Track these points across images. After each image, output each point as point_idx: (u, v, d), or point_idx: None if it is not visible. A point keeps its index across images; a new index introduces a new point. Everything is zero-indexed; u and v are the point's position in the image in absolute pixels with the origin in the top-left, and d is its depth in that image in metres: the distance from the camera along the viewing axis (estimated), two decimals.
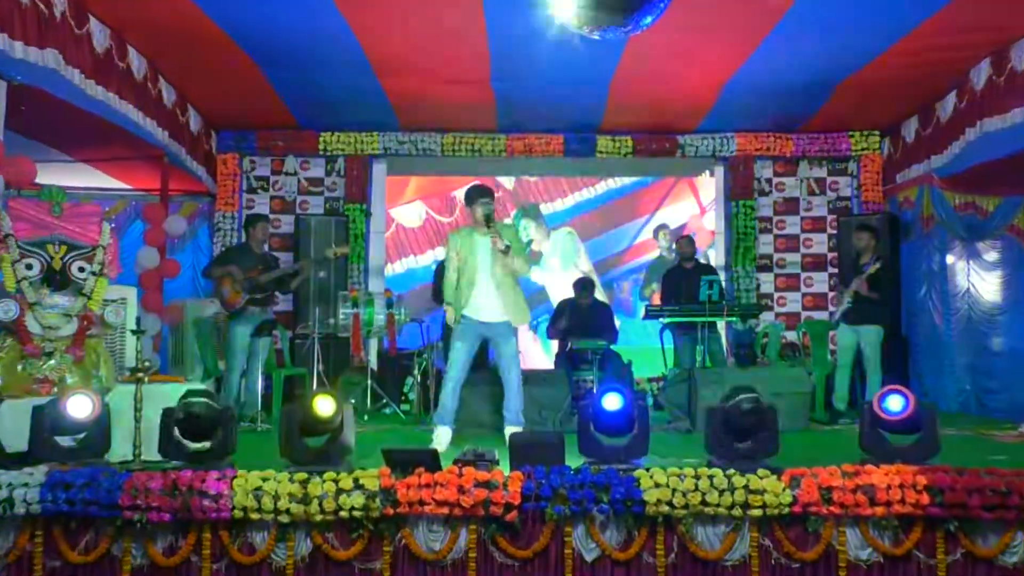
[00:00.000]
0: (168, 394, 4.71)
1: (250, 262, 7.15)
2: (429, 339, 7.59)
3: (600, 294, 9.28)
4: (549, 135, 9.55)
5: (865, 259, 7.31)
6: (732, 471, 3.96)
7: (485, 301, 5.68)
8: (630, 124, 9.34)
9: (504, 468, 4.13)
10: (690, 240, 8.17)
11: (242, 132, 9.53)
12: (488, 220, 5.60)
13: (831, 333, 7.70)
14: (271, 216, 9.57)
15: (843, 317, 7.27)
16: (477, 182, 6.01)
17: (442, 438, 5.62)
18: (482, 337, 5.79)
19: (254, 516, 3.90)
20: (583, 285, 8.18)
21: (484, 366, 7.13)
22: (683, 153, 9.62)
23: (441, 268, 7.67)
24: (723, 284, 8.05)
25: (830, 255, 9.64)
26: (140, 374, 4.60)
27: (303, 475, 3.98)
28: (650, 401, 7.94)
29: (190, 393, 4.41)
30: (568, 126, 9.43)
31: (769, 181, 9.84)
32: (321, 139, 9.57)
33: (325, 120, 9.33)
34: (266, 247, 7.66)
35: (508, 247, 5.56)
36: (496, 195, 6.02)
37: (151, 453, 4.56)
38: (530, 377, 6.74)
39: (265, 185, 9.77)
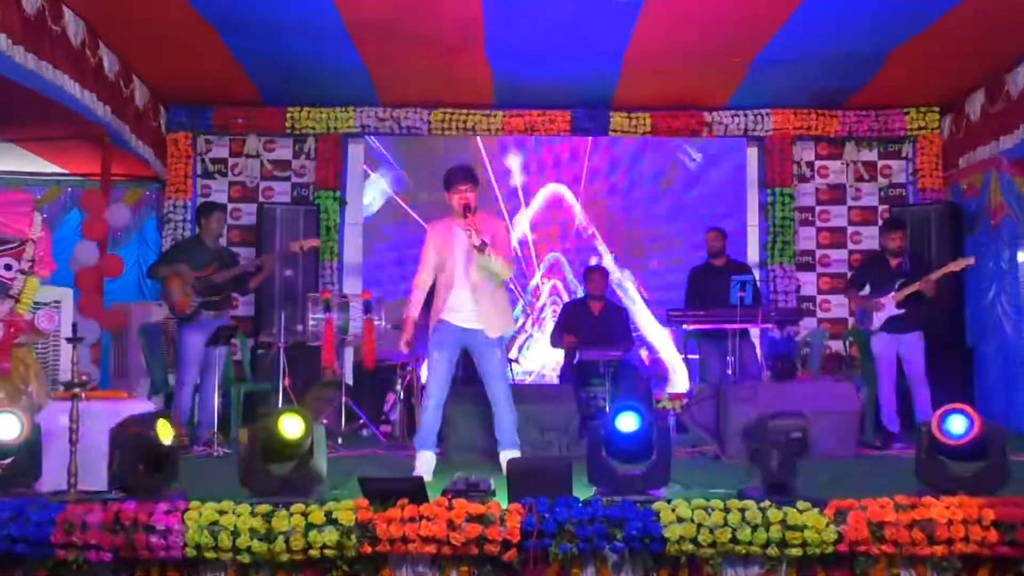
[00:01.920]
0: (108, 413, 4.70)
1: (204, 259, 7.15)
2: (415, 350, 7.59)
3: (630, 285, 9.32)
4: (554, 111, 9.56)
5: (896, 262, 7.31)
6: (767, 503, 3.95)
7: (461, 305, 5.70)
8: (648, 98, 9.35)
9: (501, 499, 4.12)
10: (720, 233, 8.14)
11: (196, 107, 9.53)
12: (465, 210, 5.59)
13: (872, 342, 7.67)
14: (229, 205, 9.57)
15: (885, 325, 7.24)
16: (459, 164, 5.95)
17: (426, 465, 5.62)
18: (462, 346, 5.80)
19: (209, 555, 3.89)
20: (598, 275, 8.18)
21: (475, 380, 7.14)
22: (710, 132, 9.63)
23: None
24: (757, 285, 8.04)
25: (877, 252, 9.62)
26: (77, 389, 4.59)
27: (267, 507, 3.97)
28: (672, 421, 7.93)
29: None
30: (576, 101, 9.43)
31: (811, 165, 9.84)
32: (288, 116, 9.58)
33: (293, 94, 9.33)
34: (222, 241, 7.66)
35: (484, 244, 5.53)
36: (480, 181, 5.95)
37: (89, 482, 4.55)
38: (531, 393, 6.75)
39: (223, 169, 9.78)
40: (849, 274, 9.56)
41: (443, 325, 5.72)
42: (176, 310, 7.06)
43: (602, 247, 9.79)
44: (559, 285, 9.78)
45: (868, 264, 7.87)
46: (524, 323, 9.67)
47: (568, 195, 9.85)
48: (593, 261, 9.48)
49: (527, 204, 9.84)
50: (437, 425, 5.74)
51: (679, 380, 9.38)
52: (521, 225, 9.81)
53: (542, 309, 9.74)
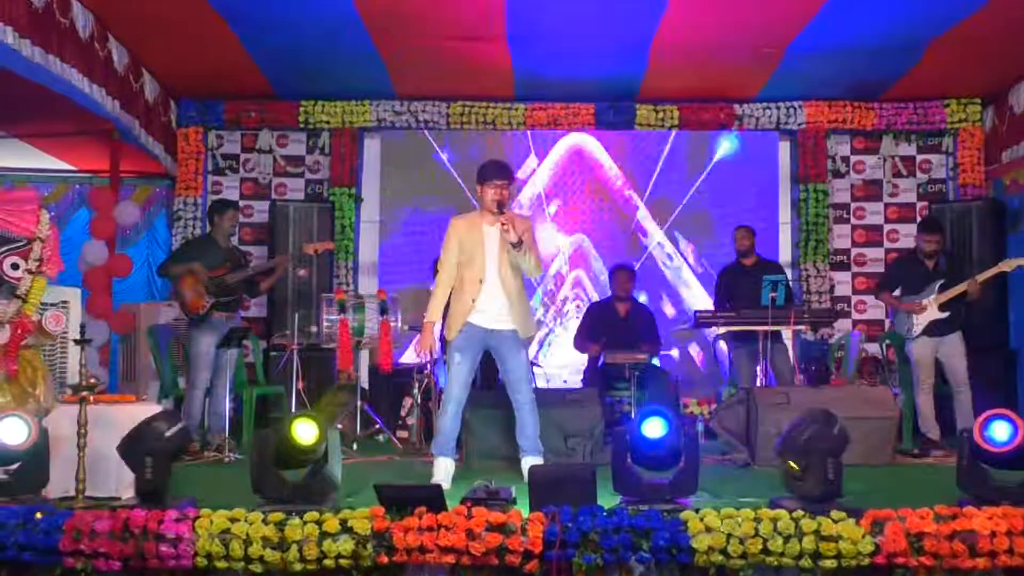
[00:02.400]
0: (118, 417, 4.74)
1: (216, 258, 7.19)
2: (432, 352, 7.60)
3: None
4: (577, 104, 9.55)
5: (931, 262, 7.25)
6: (800, 513, 3.93)
7: (491, 305, 5.69)
8: (676, 90, 9.33)
9: (523, 508, 4.12)
10: (748, 231, 8.11)
11: (207, 102, 9.59)
12: (500, 206, 5.60)
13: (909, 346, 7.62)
14: (241, 202, 9.61)
15: (927, 329, 7.17)
16: (494, 159, 5.98)
17: (444, 472, 5.62)
18: (486, 348, 5.80)
19: (220, 564, 3.91)
20: (625, 274, 8.17)
21: (495, 385, 7.12)
22: (741, 125, 9.60)
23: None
24: (789, 285, 8.00)
25: (910, 252, 9.55)
26: (85, 393, 4.62)
27: (279, 515, 3.99)
28: (701, 427, 7.91)
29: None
30: (600, 93, 9.42)
31: (846, 160, 9.79)
32: (302, 109, 9.61)
33: (306, 87, 9.37)
34: (234, 240, 7.69)
35: (520, 242, 5.55)
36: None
37: (97, 488, 4.59)
38: (554, 398, 6.74)
39: (234, 165, 9.83)
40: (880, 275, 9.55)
41: (469, 327, 5.70)
42: (188, 310, 7.10)
43: (643, 212, 9.74)
44: (583, 276, 9.75)
45: (900, 264, 7.81)
46: (544, 315, 9.65)
47: (593, 144, 9.78)
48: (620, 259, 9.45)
49: (540, 157, 9.75)
50: (456, 430, 5.74)
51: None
52: (534, 186, 9.73)
53: (564, 303, 9.72)
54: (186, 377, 7.36)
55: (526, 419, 5.73)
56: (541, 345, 9.57)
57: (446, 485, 5.36)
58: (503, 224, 5.54)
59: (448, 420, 5.69)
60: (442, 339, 6.46)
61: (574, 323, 8.95)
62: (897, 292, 7.42)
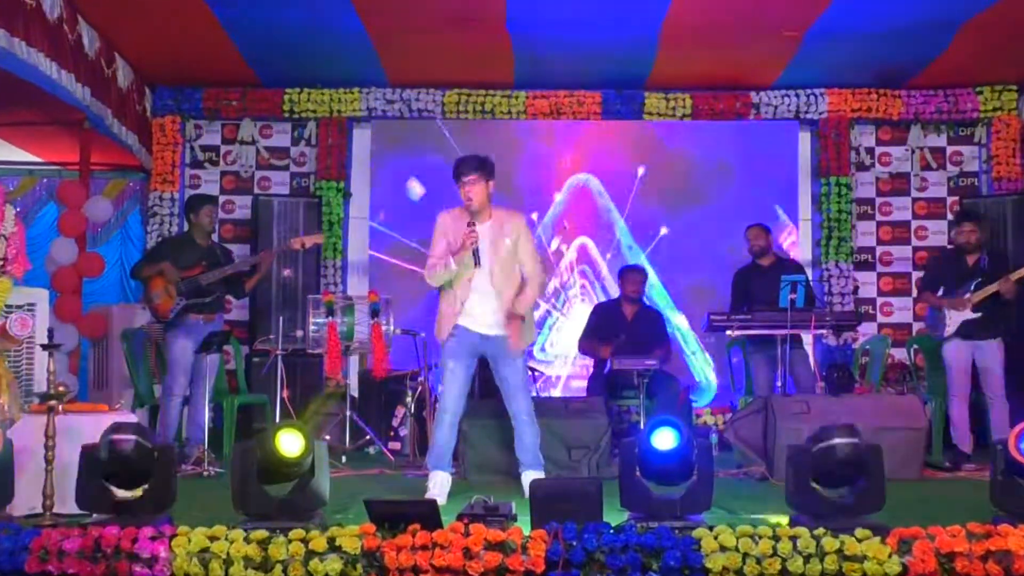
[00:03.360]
0: (88, 427, 4.73)
1: (191, 257, 7.17)
2: (427, 358, 7.60)
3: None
4: (582, 92, 9.55)
5: (973, 258, 7.25)
6: (822, 531, 3.93)
7: (481, 308, 5.71)
8: (688, 77, 9.34)
9: (523, 525, 4.12)
10: (762, 229, 8.11)
11: (184, 89, 9.58)
12: (472, 214, 5.66)
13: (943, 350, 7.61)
14: (221, 197, 9.62)
15: (959, 330, 7.18)
16: (463, 156, 5.96)
17: (440, 486, 5.63)
18: (480, 354, 5.81)
19: None
20: (635, 276, 8.18)
21: (496, 393, 7.14)
22: (758, 114, 9.60)
23: None
24: (810, 285, 8.00)
25: (950, 248, 9.57)
26: (53, 402, 4.62)
27: (262, 533, 3.99)
28: (714, 439, 7.91)
29: (117, 427, 4.43)
30: (607, 80, 9.43)
31: (871, 152, 9.79)
32: (286, 98, 9.61)
33: (292, 73, 9.37)
34: (214, 237, 7.69)
35: (520, 317, 5.68)
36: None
37: (67, 504, 4.58)
38: (556, 407, 6.75)
39: (214, 157, 9.82)
40: (913, 275, 9.54)
41: (460, 331, 5.72)
42: (157, 314, 7.11)
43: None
44: (588, 271, 9.77)
45: (939, 262, 7.81)
46: (547, 308, 9.68)
47: (596, 184, 9.87)
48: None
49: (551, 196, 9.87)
50: (452, 442, 5.76)
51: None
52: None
53: (569, 287, 9.74)
54: (162, 384, 7.35)
55: (524, 430, 5.75)
56: (540, 325, 9.48)
57: (441, 500, 5.37)
58: (469, 241, 5.56)
59: (443, 431, 5.70)
60: (435, 341, 6.49)
61: (579, 308, 8.98)
62: (940, 293, 7.38)
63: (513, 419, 5.77)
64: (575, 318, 9.41)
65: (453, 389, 5.72)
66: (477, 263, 5.59)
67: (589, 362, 8.50)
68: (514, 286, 5.75)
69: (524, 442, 5.74)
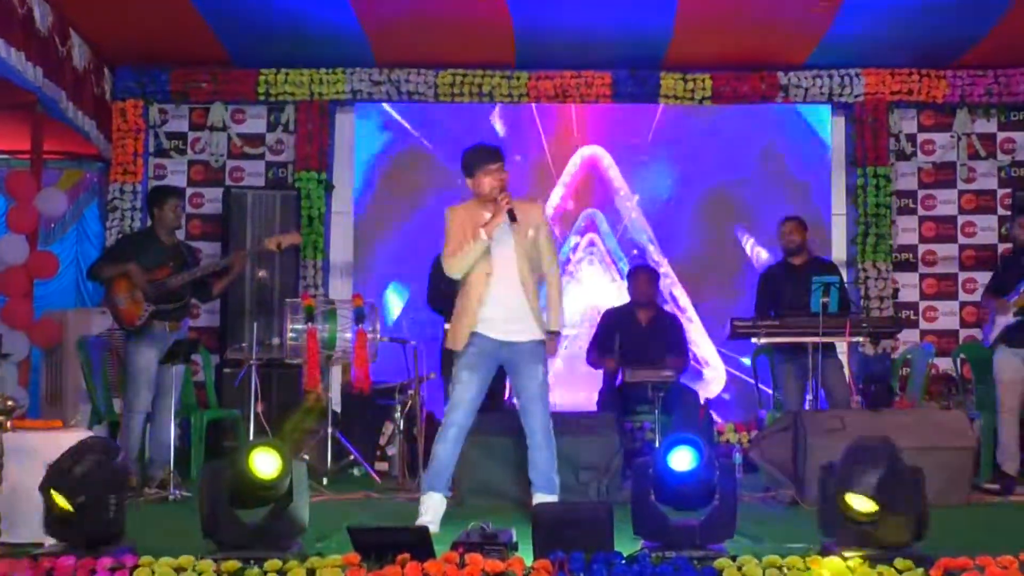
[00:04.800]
0: (41, 446, 4.73)
1: (157, 257, 7.15)
2: (418, 368, 7.60)
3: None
4: (591, 73, 9.57)
5: None
6: (858, 561, 3.93)
7: (502, 306, 5.70)
8: (708, 56, 9.34)
9: (525, 555, 4.12)
10: (799, 223, 8.07)
11: (149, 69, 9.59)
12: (512, 214, 5.63)
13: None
14: (189, 189, 9.62)
15: (1004, 337, 7.18)
16: (481, 143, 5.99)
17: (433, 510, 5.62)
18: (499, 364, 5.82)
19: None
20: (646, 276, 8.18)
21: (496, 407, 7.13)
22: (786, 97, 9.61)
23: (438, 260, 7.68)
24: (845, 288, 8.00)
25: (1002, 246, 9.61)
26: (1, 418, 4.62)
27: (234, 564, 3.99)
28: (738, 459, 7.91)
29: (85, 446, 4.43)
30: (618, 59, 9.44)
31: (912, 139, 9.79)
32: (262, 79, 9.62)
33: (268, 52, 9.37)
34: (179, 234, 7.68)
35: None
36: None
37: (16, 531, 4.58)
38: (563, 424, 6.74)
39: (181, 145, 9.83)
40: (960, 276, 9.53)
41: (478, 339, 5.71)
42: (123, 321, 7.08)
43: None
44: (596, 238, 9.80)
45: (1002, 261, 7.80)
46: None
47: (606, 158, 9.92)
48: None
49: (546, 135, 9.89)
50: (454, 462, 5.71)
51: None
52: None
53: (576, 252, 9.86)
54: (123, 399, 7.34)
55: (540, 447, 5.71)
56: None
57: (435, 528, 5.36)
58: (509, 210, 5.58)
59: (446, 446, 5.66)
60: (444, 351, 6.49)
61: (588, 271, 9.02)
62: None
63: (528, 436, 5.72)
64: (584, 281, 9.54)
65: (462, 403, 5.69)
66: (514, 219, 5.60)
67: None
68: (536, 284, 5.78)
69: (538, 461, 5.70)
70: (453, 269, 5.77)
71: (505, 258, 5.69)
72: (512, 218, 5.58)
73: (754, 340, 7.61)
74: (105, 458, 4.42)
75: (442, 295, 7.20)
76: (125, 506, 4.44)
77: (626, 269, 8.76)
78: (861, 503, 4.18)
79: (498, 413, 6.82)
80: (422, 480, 5.84)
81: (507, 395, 7.45)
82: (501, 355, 5.76)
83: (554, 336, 5.80)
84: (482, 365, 5.73)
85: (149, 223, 7.52)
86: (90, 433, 5.41)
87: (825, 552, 4.18)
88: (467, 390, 5.69)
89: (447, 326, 6.57)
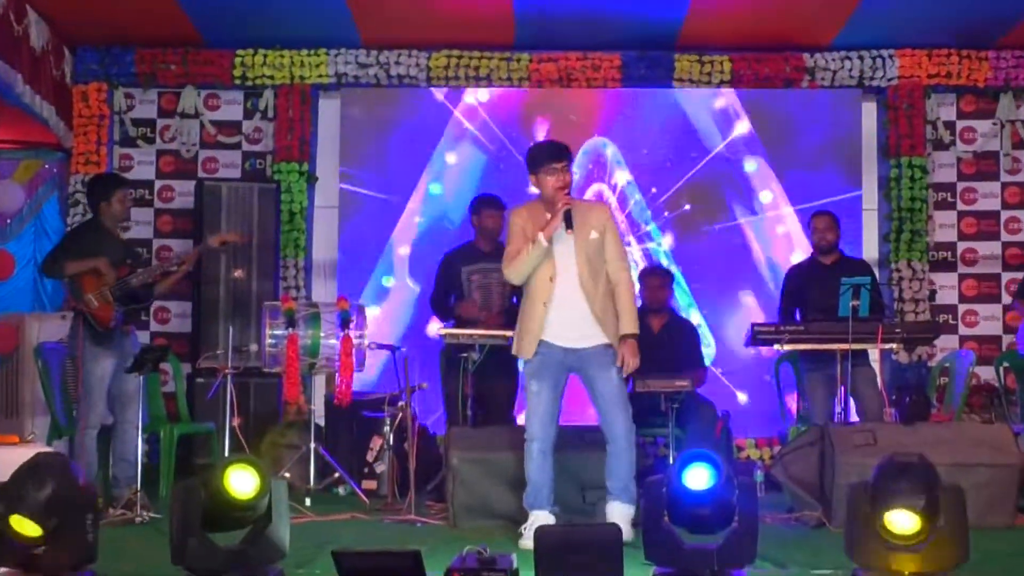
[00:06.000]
0: None
1: (115, 253, 7.06)
2: (409, 378, 7.59)
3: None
4: (598, 54, 9.58)
5: None
6: None
7: (568, 312, 5.83)
8: (727, 35, 9.36)
9: None
10: (832, 219, 8.05)
11: (113, 50, 9.60)
12: (568, 217, 5.75)
13: None
14: (158, 182, 9.62)
15: None
16: (546, 139, 6.13)
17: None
18: (569, 371, 5.96)
19: None
20: (658, 280, 8.21)
21: (503, 421, 7.16)
22: (812, 81, 9.61)
23: (447, 261, 7.71)
24: (878, 289, 8.00)
25: None
26: None
27: None
28: (760, 477, 7.91)
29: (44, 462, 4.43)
30: (628, 40, 9.45)
31: (951, 126, 9.80)
32: (238, 61, 9.63)
33: (244, 32, 9.40)
34: (148, 231, 7.65)
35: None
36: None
37: None
38: (568, 438, 6.73)
39: (149, 133, 9.83)
40: (1003, 276, 9.54)
41: (544, 348, 5.86)
42: (97, 323, 6.95)
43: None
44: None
45: None
46: None
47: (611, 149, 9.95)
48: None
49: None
50: (549, 475, 5.87)
51: None
52: None
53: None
54: (75, 413, 7.29)
55: (619, 453, 5.86)
56: None
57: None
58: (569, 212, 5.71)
59: (533, 465, 5.86)
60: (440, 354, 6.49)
61: None
62: None
63: (610, 442, 5.88)
64: None
65: (537, 415, 5.87)
66: (570, 226, 5.73)
67: None
68: (603, 287, 5.89)
69: (616, 467, 5.86)
70: (512, 275, 6.00)
71: (566, 262, 5.85)
72: (568, 224, 5.73)
73: (777, 347, 7.61)
74: (69, 475, 4.41)
75: (443, 299, 7.34)
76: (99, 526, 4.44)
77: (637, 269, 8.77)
78: (902, 524, 4.18)
79: (498, 428, 6.82)
80: (524, 500, 5.92)
81: (515, 409, 7.48)
82: (569, 363, 5.93)
83: (629, 340, 5.88)
84: (549, 373, 5.90)
85: (95, 217, 7.33)
86: (48, 449, 5.41)
87: None
88: (539, 401, 5.89)
89: (442, 330, 6.65)
